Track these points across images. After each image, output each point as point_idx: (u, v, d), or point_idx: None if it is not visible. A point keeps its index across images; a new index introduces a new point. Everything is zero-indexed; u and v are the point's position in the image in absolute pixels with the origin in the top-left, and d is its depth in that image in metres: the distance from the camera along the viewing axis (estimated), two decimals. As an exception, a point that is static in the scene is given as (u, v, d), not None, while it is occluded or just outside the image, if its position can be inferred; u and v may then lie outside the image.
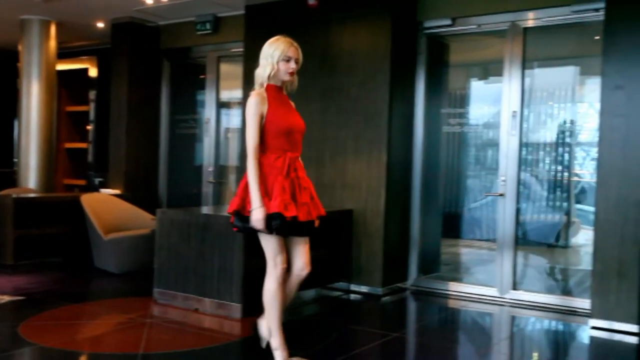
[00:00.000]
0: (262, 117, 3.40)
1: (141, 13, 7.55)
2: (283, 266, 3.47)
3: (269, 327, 3.54)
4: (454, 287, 6.03)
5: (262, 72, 3.48)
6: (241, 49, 6.90)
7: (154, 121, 8.16)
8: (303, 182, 3.49)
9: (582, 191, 6.36)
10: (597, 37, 5.34)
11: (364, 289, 5.93)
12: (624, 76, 4.79)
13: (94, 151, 9.12)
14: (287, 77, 3.50)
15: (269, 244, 3.44)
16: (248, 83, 6.72)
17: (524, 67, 5.73)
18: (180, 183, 8.22)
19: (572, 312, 5.33)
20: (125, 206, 7.04)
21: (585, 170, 6.24)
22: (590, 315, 4.92)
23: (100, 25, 7.99)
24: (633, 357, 4.48)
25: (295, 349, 3.85)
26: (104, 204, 6.88)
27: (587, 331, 4.86)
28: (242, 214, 3.42)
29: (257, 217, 3.30)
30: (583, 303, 5.27)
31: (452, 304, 5.78)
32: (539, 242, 6.63)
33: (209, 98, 7.84)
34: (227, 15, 7.35)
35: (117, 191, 7.68)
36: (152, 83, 8.13)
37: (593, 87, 5.80)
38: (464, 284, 6.12)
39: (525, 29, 5.71)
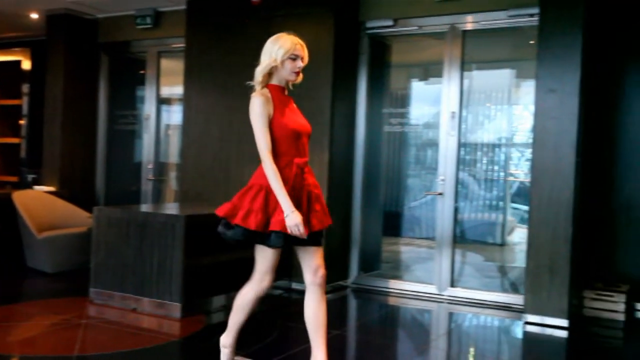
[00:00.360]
0: (268, 119, 3.14)
1: (78, 5, 7.33)
2: (268, 284, 3.32)
3: (229, 323, 3.43)
4: (394, 285, 6.12)
5: (262, 70, 3.22)
6: (182, 45, 6.80)
7: (92, 116, 7.94)
8: (314, 189, 3.25)
9: (517, 191, 6.55)
10: (532, 42, 5.53)
11: (305, 287, 5.93)
12: (556, 80, 4.96)
13: (27, 146, 8.80)
14: (292, 77, 3.27)
15: (265, 259, 3.25)
16: (189, 79, 6.66)
17: (462, 69, 5.86)
18: (118, 180, 8.03)
19: (507, 308, 5.50)
20: (60, 204, 6.83)
21: (520, 171, 6.44)
22: (523, 311, 5.09)
23: (34, 16, 7.72)
24: (563, 351, 4.66)
25: (236, 348, 3.82)
26: (38, 202, 6.65)
27: (520, 326, 5.02)
28: (228, 222, 3.14)
29: (293, 222, 3.01)
30: (517, 299, 5.44)
31: (392, 301, 5.87)
32: (477, 240, 6.80)
33: (149, 94, 7.69)
34: (168, 10, 7.22)
35: (51, 188, 7.44)
36: (90, 77, 7.91)
37: (528, 90, 5.99)
38: (403, 281, 6.22)
39: (464, 31, 5.85)
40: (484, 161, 6.36)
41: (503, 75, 6.55)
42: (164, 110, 7.78)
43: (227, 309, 5.17)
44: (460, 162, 5.96)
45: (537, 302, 4.99)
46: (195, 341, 4.30)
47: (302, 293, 5.86)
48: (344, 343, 4.53)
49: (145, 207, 6.07)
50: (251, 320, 5.04)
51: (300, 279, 5.93)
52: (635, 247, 5.52)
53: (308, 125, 3.36)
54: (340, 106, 5.97)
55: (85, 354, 3.87)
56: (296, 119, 3.29)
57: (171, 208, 5.81)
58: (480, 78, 6.36)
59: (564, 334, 4.82)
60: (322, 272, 3.28)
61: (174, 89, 7.64)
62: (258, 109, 3.13)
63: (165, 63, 7.70)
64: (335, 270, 6.07)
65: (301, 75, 3.33)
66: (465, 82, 5.99)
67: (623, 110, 5.62)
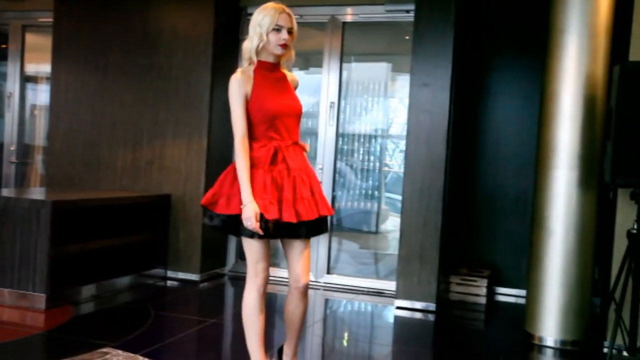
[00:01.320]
0: (246, 99, 2.84)
1: None
2: (264, 274, 2.97)
3: (248, 348, 2.98)
4: (271, 273, 6.04)
5: (250, 45, 2.88)
6: (50, 19, 6.37)
7: (-56, 92, 7.27)
8: (298, 174, 2.92)
9: (392, 181, 6.78)
10: (407, 37, 5.73)
11: (181, 275, 5.82)
12: (429, 75, 5.18)
13: None
14: (278, 51, 2.87)
15: (250, 249, 2.94)
16: (57, 56, 6.26)
17: (342, 60, 5.98)
18: (-25, 163, 7.43)
19: (380, 294, 5.70)
20: None
21: (395, 161, 6.66)
22: (395, 296, 5.29)
23: None
24: (430, 333, 4.91)
25: (105, 339, 3.67)
26: None
27: (392, 311, 5.22)
28: (210, 210, 2.90)
29: (247, 214, 2.74)
30: (390, 285, 5.65)
31: (269, 288, 5.80)
32: (352, 228, 6.97)
33: (11, 70, 7.16)
34: (35, -19, 6.75)
35: None
36: (-58, 49, 7.23)
37: (403, 84, 6.20)
38: (281, 269, 6.25)
39: (344, 23, 5.96)
40: (361, 151, 6.51)
41: (380, 68, 6.72)
42: (29, 88, 7.28)
43: (97, 298, 4.95)
44: (338, 152, 6.09)
45: (408, 288, 5.21)
46: (61, 333, 4.08)
47: (178, 281, 5.75)
48: (220, 331, 4.49)
49: (6, 192, 5.65)
50: (124, 310, 4.87)
51: (176, 267, 5.82)
52: (497, 235, 5.92)
53: (296, 106, 2.97)
54: (220, 92, 5.87)
55: None
56: (279, 99, 2.90)
57: (36, 193, 5.45)
58: (359, 70, 6.50)
59: (432, 317, 5.07)
60: (303, 281, 3.05)
61: (41, 66, 7.17)
62: (232, 90, 2.83)
63: (31, 38, 7.18)
64: (212, 258, 5.99)
65: (293, 50, 2.96)
66: (345, 73, 6.11)
67: (488, 105, 5.99)
